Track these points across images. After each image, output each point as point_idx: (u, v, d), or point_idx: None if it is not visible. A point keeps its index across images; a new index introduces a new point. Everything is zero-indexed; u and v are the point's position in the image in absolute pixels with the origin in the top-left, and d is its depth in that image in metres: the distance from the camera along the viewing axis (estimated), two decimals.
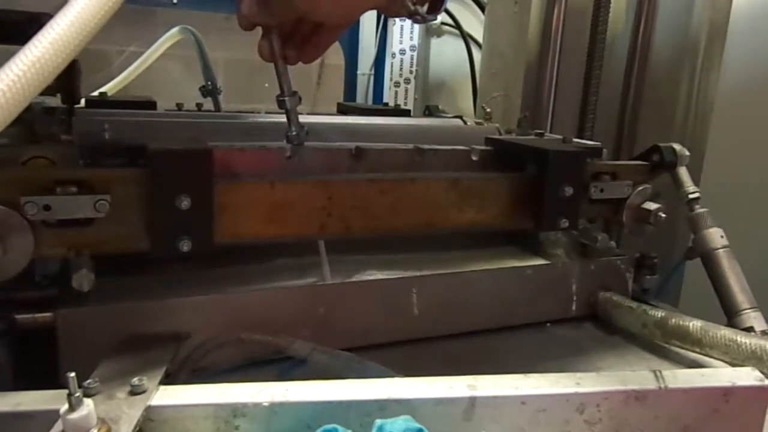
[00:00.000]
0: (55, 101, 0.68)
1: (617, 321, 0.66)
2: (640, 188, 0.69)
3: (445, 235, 0.66)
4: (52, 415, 0.33)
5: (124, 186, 0.48)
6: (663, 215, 0.68)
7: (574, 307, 0.69)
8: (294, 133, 0.56)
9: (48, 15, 0.33)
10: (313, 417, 0.37)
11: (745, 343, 0.53)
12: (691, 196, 0.73)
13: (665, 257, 0.85)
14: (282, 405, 0.37)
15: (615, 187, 0.68)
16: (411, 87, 1.80)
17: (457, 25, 1.56)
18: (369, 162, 0.63)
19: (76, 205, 0.46)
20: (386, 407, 0.38)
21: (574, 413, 0.41)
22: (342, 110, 1.07)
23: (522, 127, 0.95)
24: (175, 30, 1.31)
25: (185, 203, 0.49)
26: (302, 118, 0.57)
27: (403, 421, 0.36)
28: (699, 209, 0.72)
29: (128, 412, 0.36)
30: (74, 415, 0.33)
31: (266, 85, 1.52)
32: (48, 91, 0.64)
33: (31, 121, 0.60)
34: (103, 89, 1.17)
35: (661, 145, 0.74)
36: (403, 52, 1.82)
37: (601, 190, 0.67)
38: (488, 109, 1.05)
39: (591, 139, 0.92)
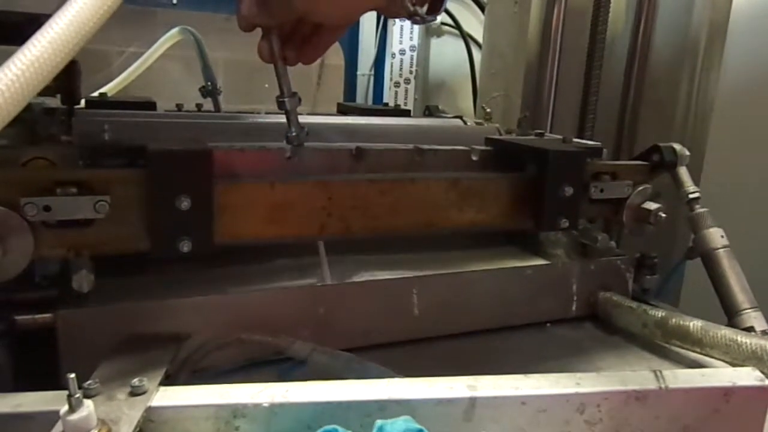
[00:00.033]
0: (55, 102, 0.68)
1: (617, 321, 0.66)
2: (641, 188, 0.69)
3: (445, 235, 0.66)
4: (52, 416, 0.33)
5: (123, 186, 0.48)
6: (663, 215, 0.68)
7: (574, 307, 0.69)
8: (294, 133, 0.56)
9: (47, 16, 0.32)
10: (313, 417, 0.37)
11: (746, 343, 0.53)
12: (691, 195, 0.73)
13: (665, 257, 0.85)
14: (282, 406, 0.37)
15: (615, 187, 0.68)
16: (411, 87, 1.80)
17: (457, 25, 1.56)
18: (369, 162, 0.63)
19: (76, 206, 0.46)
20: (386, 408, 0.38)
21: (575, 413, 0.41)
22: (342, 110, 1.07)
23: (522, 127, 0.95)
24: (175, 30, 1.31)
25: (185, 204, 0.49)
26: (302, 119, 0.57)
27: (403, 421, 0.36)
28: (699, 209, 0.72)
29: (128, 413, 0.36)
30: (74, 416, 0.33)
31: (266, 85, 1.52)
32: (48, 91, 0.64)
33: (31, 121, 0.60)
34: (103, 90, 1.17)
35: (661, 144, 0.74)
36: (403, 52, 1.82)
37: (601, 190, 0.67)
38: (488, 109, 1.05)
39: (591, 139, 0.92)
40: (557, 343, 0.64)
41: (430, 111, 1.05)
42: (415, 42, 1.77)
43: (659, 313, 0.60)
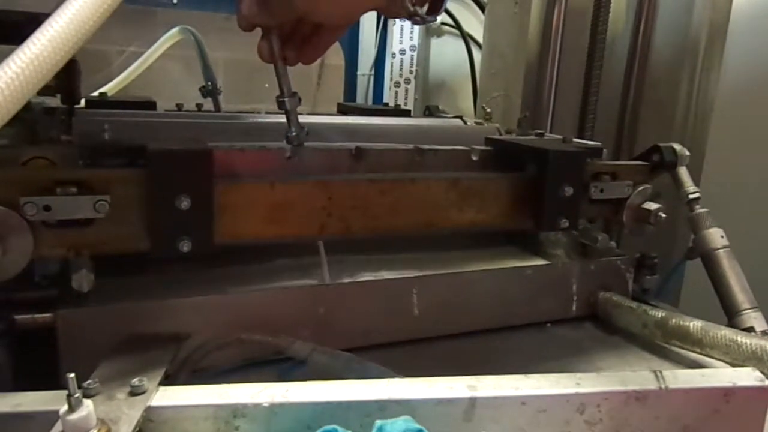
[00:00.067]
0: (55, 101, 0.68)
1: (617, 321, 0.66)
2: (641, 188, 0.69)
3: (445, 235, 0.66)
4: (52, 416, 0.33)
5: (123, 186, 0.48)
6: (663, 215, 0.68)
7: (574, 307, 0.69)
8: (294, 133, 0.56)
9: (47, 15, 0.32)
10: (313, 417, 0.37)
11: (746, 343, 0.53)
12: (691, 196, 0.73)
13: (665, 257, 0.85)
14: (282, 405, 0.37)
15: (615, 187, 0.68)
16: (411, 87, 1.80)
17: (457, 25, 1.56)
18: (369, 162, 0.63)
19: (76, 206, 0.46)
20: (386, 408, 0.38)
21: (575, 414, 0.41)
22: (342, 110, 1.07)
23: (522, 127, 0.95)
24: (175, 30, 1.31)
25: (185, 203, 0.49)
26: (302, 119, 0.57)
27: (403, 421, 0.36)
28: (699, 209, 0.72)
29: (128, 412, 0.36)
30: (74, 416, 0.32)
31: (266, 85, 1.52)
32: (48, 91, 0.64)
33: (31, 121, 0.60)
34: (103, 89, 1.17)
35: (661, 145, 0.74)
36: (403, 52, 1.82)
37: (602, 190, 0.67)
38: (488, 109, 1.05)
39: (591, 139, 0.92)
40: (557, 343, 0.64)
41: (430, 111, 1.05)
42: (416, 42, 1.77)
43: (659, 314, 0.60)
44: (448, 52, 1.66)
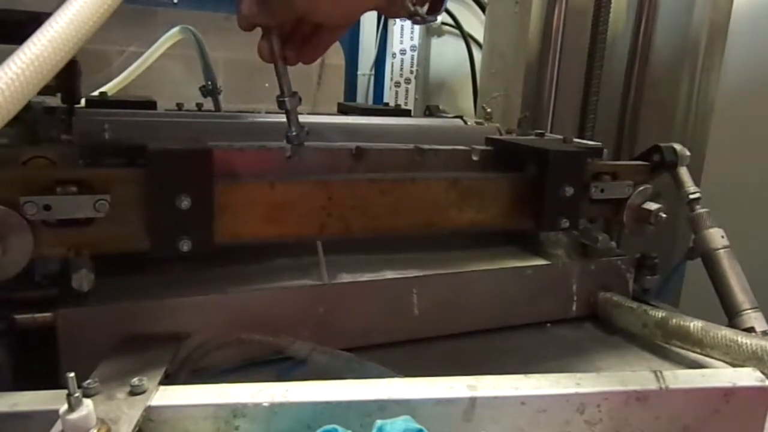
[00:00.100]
0: (55, 101, 0.68)
1: (617, 321, 0.66)
2: (641, 188, 0.69)
3: (445, 235, 0.66)
4: (52, 416, 0.33)
5: (123, 186, 0.48)
6: (663, 215, 0.68)
7: (574, 308, 0.69)
8: (294, 133, 0.56)
9: (48, 15, 0.32)
10: (313, 417, 0.37)
11: (746, 343, 0.53)
12: (691, 196, 0.73)
13: (666, 257, 0.85)
14: (282, 405, 0.37)
15: (615, 187, 0.68)
16: (411, 87, 1.80)
17: (458, 25, 1.56)
18: (369, 162, 0.63)
19: (76, 205, 0.46)
20: (386, 408, 0.38)
21: (575, 414, 0.40)
22: (342, 110, 1.07)
23: (522, 127, 0.95)
24: (175, 30, 1.31)
25: (185, 203, 0.49)
26: (302, 118, 0.57)
27: (402, 421, 0.36)
28: (699, 209, 0.72)
29: (128, 412, 0.36)
30: (74, 416, 0.32)
31: (266, 85, 1.52)
32: (48, 90, 0.64)
33: (31, 120, 0.60)
34: (103, 89, 1.17)
35: (661, 145, 0.74)
36: (403, 52, 1.82)
37: (602, 190, 0.67)
38: (488, 109, 1.05)
39: (591, 139, 0.92)
40: (557, 343, 0.64)
41: (430, 111, 1.05)
42: (416, 42, 1.77)
43: (659, 314, 0.60)
44: (448, 52, 1.66)
